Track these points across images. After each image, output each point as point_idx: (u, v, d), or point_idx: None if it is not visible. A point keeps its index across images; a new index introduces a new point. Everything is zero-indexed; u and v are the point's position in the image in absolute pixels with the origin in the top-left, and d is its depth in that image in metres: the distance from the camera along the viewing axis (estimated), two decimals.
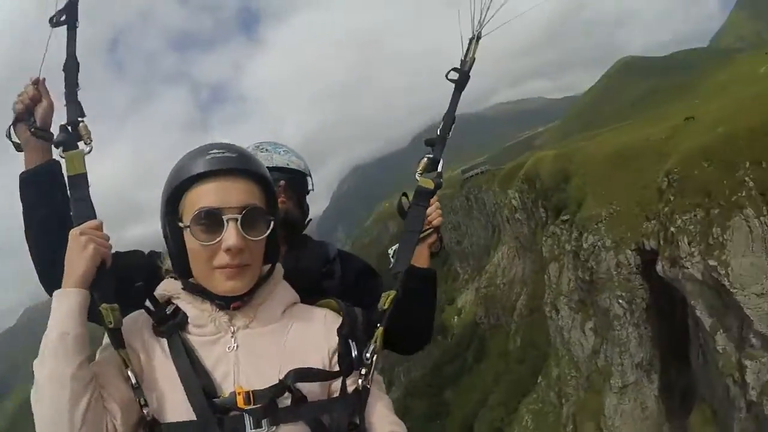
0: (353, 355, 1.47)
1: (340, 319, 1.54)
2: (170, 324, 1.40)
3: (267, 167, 1.62)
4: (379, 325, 1.58)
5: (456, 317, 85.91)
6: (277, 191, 1.63)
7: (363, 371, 1.46)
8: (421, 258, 1.99)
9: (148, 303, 1.42)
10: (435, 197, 1.95)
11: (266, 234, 1.40)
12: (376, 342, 1.53)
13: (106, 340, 1.40)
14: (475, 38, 1.97)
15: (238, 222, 1.32)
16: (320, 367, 1.43)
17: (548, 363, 44.02)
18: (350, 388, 1.44)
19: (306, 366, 1.39)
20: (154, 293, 1.46)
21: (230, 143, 1.44)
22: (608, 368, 35.25)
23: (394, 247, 1.86)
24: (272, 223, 1.42)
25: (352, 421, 1.41)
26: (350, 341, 1.48)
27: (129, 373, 1.30)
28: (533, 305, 53.50)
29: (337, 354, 1.47)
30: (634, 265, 32.87)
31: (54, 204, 1.72)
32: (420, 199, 1.86)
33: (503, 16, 1.95)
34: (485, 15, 1.95)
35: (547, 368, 44.21)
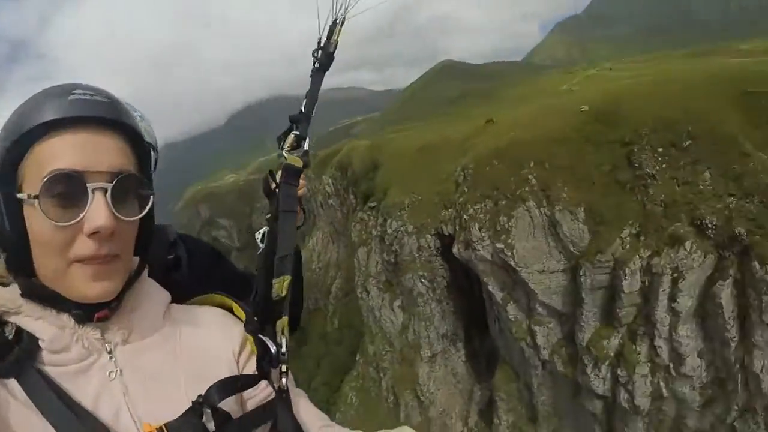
0: (272, 352, 1.26)
1: (231, 317, 1.32)
2: (14, 355, 0.97)
3: None
4: (281, 314, 1.39)
5: None
6: None
7: (283, 368, 1.27)
8: None
9: None
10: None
11: (143, 213, 1.07)
12: (284, 334, 1.35)
13: None
14: (341, 21, 1.91)
15: (108, 194, 0.97)
16: (230, 375, 1.17)
17: (364, 341, 45.36)
18: (272, 391, 1.23)
19: (214, 377, 1.12)
20: None
21: (96, 86, 1.06)
22: (417, 341, 37.78)
23: (262, 230, 1.69)
24: (152, 198, 1.09)
25: (285, 424, 1.18)
26: (263, 338, 1.27)
27: None
28: (348, 288, 55.01)
29: (243, 355, 1.25)
30: (434, 248, 35.61)
31: None
32: (290, 177, 1.67)
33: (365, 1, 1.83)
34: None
35: (363, 346, 45.54)
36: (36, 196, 0.93)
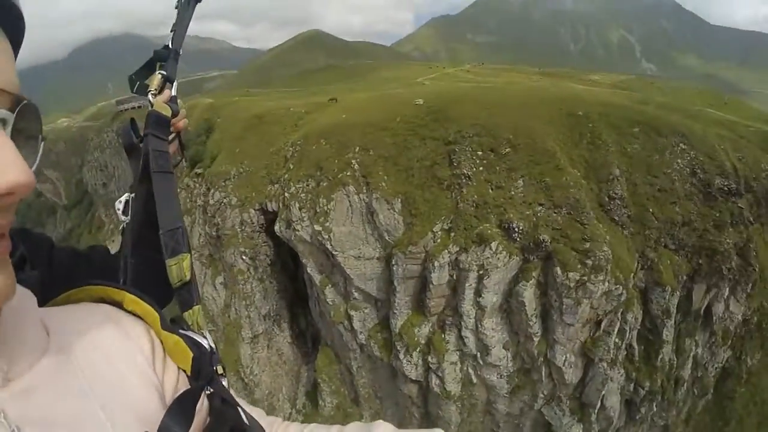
0: (207, 349, 0.97)
1: (123, 313, 0.93)
2: None
3: None
4: (193, 303, 1.12)
5: None
6: None
7: (220, 369, 0.99)
8: None
9: None
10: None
11: (35, 166, 0.66)
12: (200, 326, 1.09)
13: None
14: None
15: (9, 128, 0.61)
16: (151, 392, 0.84)
17: None
18: (216, 397, 0.93)
19: (138, 401, 0.80)
20: None
21: None
22: (239, 321, 36.37)
23: (124, 197, 1.35)
24: (41, 144, 0.70)
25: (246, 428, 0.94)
26: (188, 333, 0.98)
27: None
28: None
29: (158, 361, 0.91)
30: (258, 224, 34.19)
31: None
32: (158, 129, 1.33)
33: None
34: None
35: None
36: None
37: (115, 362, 0.84)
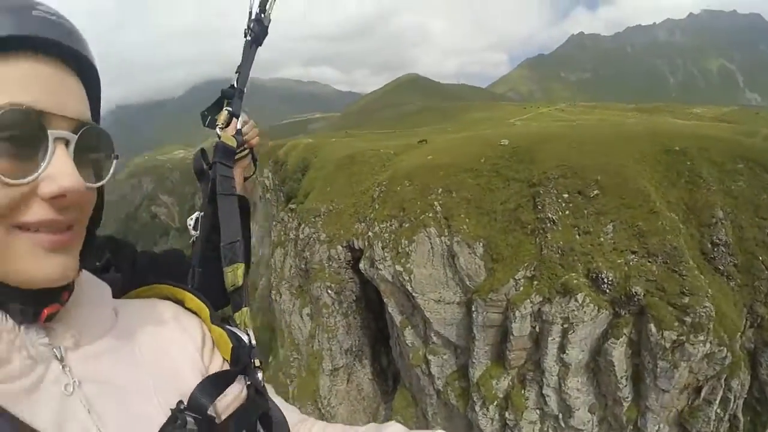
0: (246, 344, 1.11)
1: (183, 309, 1.11)
2: None
3: None
4: (241, 305, 1.29)
5: None
6: None
7: (257, 362, 1.11)
8: (237, 182, 1.68)
9: None
10: (247, 119, 1.78)
11: (107, 179, 0.83)
12: (247, 325, 1.24)
13: None
14: None
15: (71, 147, 0.73)
16: (197, 375, 0.98)
17: (277, 345, 44.50)
18: (250, 387, 1.05)
19: (183, 379, 0.94)
20: None
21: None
22: (321, 352, 36.95)
23: (195, 215, 1.55)
24: (114, 162, 0.85)
25: (271, 421, 1.04)
26: (233, 329, 1.12)
27: None
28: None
29: (206, 351, 1.07)
30: (344, 260, 34.84)
31: None
32: (224, 157, 1.54)
33: None
34: None
35: (276, 350, 44.64)
36: None
37: (168, 347, 1.01)
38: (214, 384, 0.95)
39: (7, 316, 0.75)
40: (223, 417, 0.96)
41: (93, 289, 0.97)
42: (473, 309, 27.24)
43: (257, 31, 1.79)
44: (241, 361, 1.06)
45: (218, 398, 0.96)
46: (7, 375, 0.72)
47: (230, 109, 1.69)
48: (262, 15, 1.80)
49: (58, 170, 0.70)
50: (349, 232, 34.04)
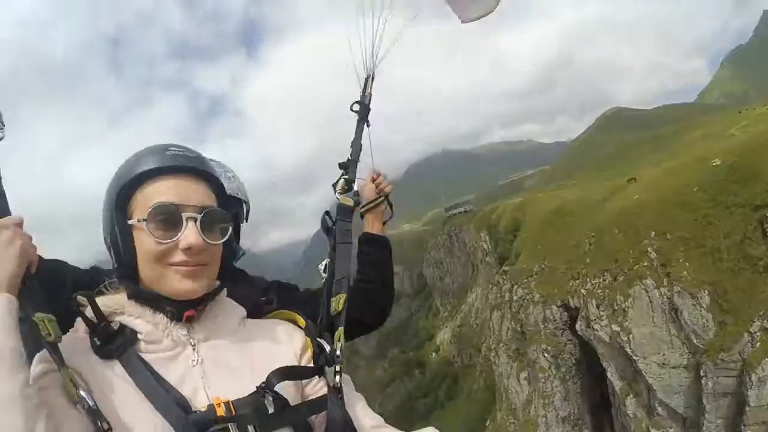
0: (327, 351, 1.46)
1: (295, 326, 1.55)
2: (118, 342, 1.26)
3: None
4: (338, 326, 1.64)
5: (434, 353, 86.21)
6: None
7: (337, 368, 1.46)
8: (375, 226, 2.24)
9: (88, 317, 1.26)
10: (379, 172, 2.25)
11: (223, 240, 1.35)
12: (340, 341, 1.59)
13: (35, 362, 1.17)
14: (371, 76, 2.26)
15: (198, 222, 1.27)
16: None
17: (495, 407, 43.79)
18: (326, 387, 1.42)
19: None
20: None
21: (186, 146, 1.40)
22: (536, 419, 35.24)
23: (324, 262, 1.93)
24: (230, 230, 1.37)
25: (346, 419, 1.36)
26: (320, 340, 1.48)
27: (82, 393, 1.11)
28: None
29: (305, 356, 1.46)
30: (561, 320, 33.26)
31: None
32: (344, 215, 1.96)
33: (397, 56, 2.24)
34: (378, 55, 2.23)
35: (493, 412, 44.03)
36: (144, 220, 1.25)
37: (273, 349, 1.42)
38: (285, 372, 1.32)
39: (162, 315, 1.29)
40: (295, 402, 1.33)
41: (228, 308, 1.46)
42: (701, 374, 23.64)
43: (361, 110, 2.21)
44: (318, 364, 1.43)
45: (292, 388, 1.35)
46: (158, 348, 1.27)
47: (346, 176, 2.08)
48: (364, 95, 2.23)
49: (187, 234, 1.24)
50: (563, 290, 32.50)
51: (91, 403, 1.10)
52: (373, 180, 2.27)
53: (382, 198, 2.23)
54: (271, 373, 1.28)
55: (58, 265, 1.67)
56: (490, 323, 44.35)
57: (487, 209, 67.17)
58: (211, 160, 1.84)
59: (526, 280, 35.80)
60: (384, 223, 2.26)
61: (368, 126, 2.21)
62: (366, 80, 2.23)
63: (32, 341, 1.15)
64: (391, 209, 2.26)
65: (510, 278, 38.78)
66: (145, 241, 1.25)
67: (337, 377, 1.43)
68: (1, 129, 1.42)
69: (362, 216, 2.26)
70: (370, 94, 2.23)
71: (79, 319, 1.27)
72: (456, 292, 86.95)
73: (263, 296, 1.84)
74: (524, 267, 36.54)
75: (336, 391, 1.40)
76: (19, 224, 1.23)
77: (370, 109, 2.21)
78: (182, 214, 1.25)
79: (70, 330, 1.27)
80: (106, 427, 1.08)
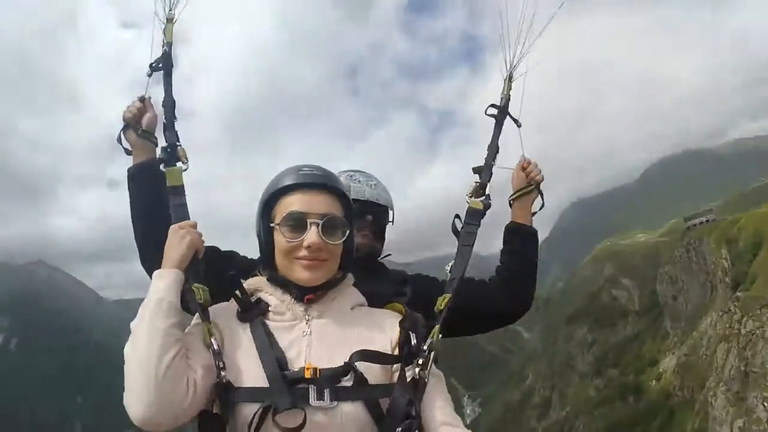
0: (412, 344, 1.60)
1: (398, 316, 1.73)
2: (253, 311, 1.58)
3: (357, 199, 2.12)
4: (436, 324, 1.74)
5: (654, 381, 76.43)
6: (364, 224, 2.14)
7: (420, 361, 1.58)
8: (522, 215, 2.24)
9: (237, 292, 1.60)
10: (530, 160, 2.24)
11: (342, 240, 1.61)
12: (433, 337, 1.68)
13: (192, 322, 1.57)
14: (508, 77, 2.23)
15: (319, 226, 1.54)
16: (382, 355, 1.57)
17: None
18: (408, 377, 1.55)
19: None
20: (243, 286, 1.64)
21: (319, 165, 1.69)
22: None
23: (451, 263, 1.98)
24: (348, 232, 1.64)
25: (408, 408, 1.46)
26: (410, 333, 1.62)
27: (212, 340, 1.47)
28: None
29: (397, 344, 1.61)
30: None
31: (154, 194, 1.91)
32: (472, 219, 2.05)
33: (537, 55, 2.19)
34: (517, 56, 2.20)
35: None
36: (279, 224, 1.58)
37: (373, 334, 1.64)
38: (366, 354, 1.50)
39: (289, 295, 1.61)
40: (374, 382, 1.50)
41: (347, 295, 1.73)
42: None
43: (497, 113, 2.22)
44: (401, 352, 1.59)
45: (380, 372, 1.53)
46: (281, 319, 1.58)
47: (477, 181, 2.12)
48: (501, 98, 2.26)
49: (309, 236, 1.52)
50: None
51: (216, 348, 1.46)
52: (524, 168, 2.24)
53: (533, 186, 2.21)
54: (355, 352, 1.49)
55: (232, 254, 2.12)
56: (715, 357, 37.31)
57: (730, 219, 56.71)
58: (357, 171, 2.35)
59: (759, 312, 29.18)
60: (533, 214, 2.24)
61: (519, 126, 2.19)
62: (504, 81, 2.19)
63: (194, 301, 1.57)
64: (542, 199, 2.23)
65: (741, 306, 32.02)
66: (279, 240, 1.58)
67: (418, 371, 1.55)
68: (186, 163, 1.87)
69: (510, 204, 2.28)
70: (509, 97, 2.20)
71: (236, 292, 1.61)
72: (689, 316, 75.46)
73: (401, 289, 2.06)
74: (759, 294, 29.78)
75: (414, 382, 1.54)
76: (193, 225, 1.67)
77: (507, 114, 2.19)
78: (308, 220, 1.54)
79: (225, 303, 1.65)
80: (221, 365, 1.43)
